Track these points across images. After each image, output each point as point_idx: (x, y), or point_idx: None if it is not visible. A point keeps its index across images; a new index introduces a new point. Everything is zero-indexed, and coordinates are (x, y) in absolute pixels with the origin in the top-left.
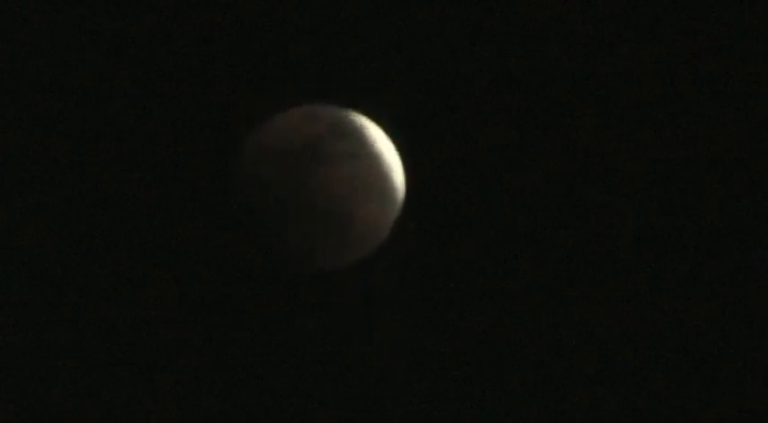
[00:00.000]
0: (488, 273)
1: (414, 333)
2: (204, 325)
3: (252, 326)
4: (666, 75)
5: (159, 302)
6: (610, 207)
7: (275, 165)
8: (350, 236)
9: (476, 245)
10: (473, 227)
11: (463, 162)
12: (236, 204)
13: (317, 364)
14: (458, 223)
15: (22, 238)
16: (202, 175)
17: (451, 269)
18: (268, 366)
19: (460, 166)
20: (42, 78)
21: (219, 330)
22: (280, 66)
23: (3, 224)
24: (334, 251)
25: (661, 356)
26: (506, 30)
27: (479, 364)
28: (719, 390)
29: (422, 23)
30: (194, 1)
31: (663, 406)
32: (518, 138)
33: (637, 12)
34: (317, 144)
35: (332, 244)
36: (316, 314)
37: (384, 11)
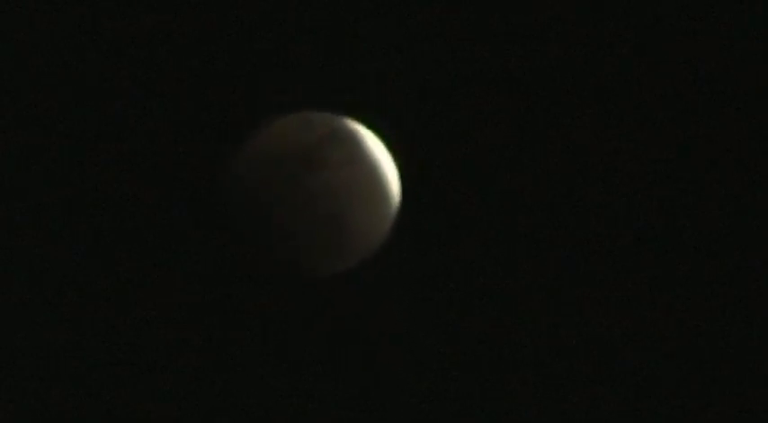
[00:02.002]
0: (484, 277)
1: (411, 337)
2: (199, 331)
3: (247, 332)
4: (663, 74)
5: (152, 311)
6: (610, 214)
7: (270, 171)
8: (346, 241)
9: (472, 249)
10: (469, 232)
11: (459, 169)
12: (230, 210)
13: (313, 368)
14: (454, 229)
15: (18, 243)
16: (196, 180)
17: (448, 274)
18: (264, 372)
19: (457, 173)
20: (36, 92)
21: (214, 336)
22: (275, 71)
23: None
24: (330, 256)
25: (661, 357)
26: (505, 37)
27: (478, 369)
28: (719, 390)
29: (419, 30)
30: (190, 7)
31: (662, 406)
32: (516, 145)
33: (636, 12)
34: (313, 150)
35: (328, 249)
36: (311, 319)
37: (380, 17)
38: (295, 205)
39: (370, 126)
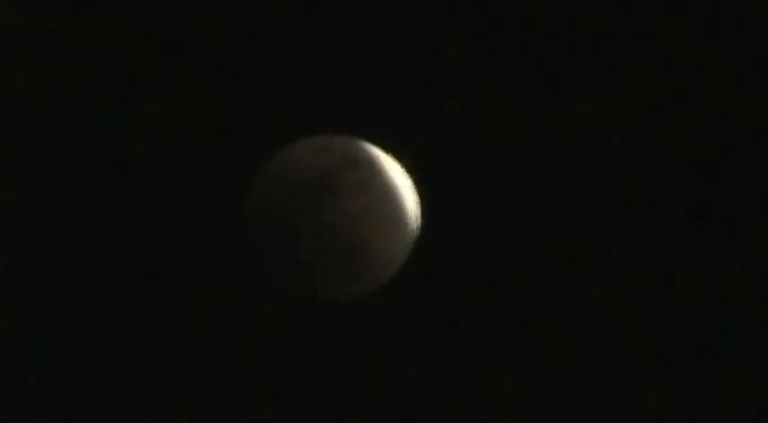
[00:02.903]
0: (504, 304)
1: (427, 365)
2: (213, 353)
3: (262, 356)
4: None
5: (165, 334)
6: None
7: (288, 196)
8: (363, 267)
9: (491, 276)
10: (489, 257)
11: (478, 193)
12: (247, 235)
13: (331, 393)
14: (473, 254)
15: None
16: (215, 203)
17: (467, 301)
18: (283, 396)
19: (475, 197)
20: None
21: (229, 360)
22: (292, 95)
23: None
24: (347, 282)
25: (687, 364)
26: (524, 62)
27: (496, 392)
28: (719, 390)
29: (437, 55)
30: (204, 31)
31: (664, 407)
32: (535, 168)
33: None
34: (330, 175)
35: (345, 275)
36: (328, 345)
37: (398, 41)
38: (312, 230)
39: (388, 150)
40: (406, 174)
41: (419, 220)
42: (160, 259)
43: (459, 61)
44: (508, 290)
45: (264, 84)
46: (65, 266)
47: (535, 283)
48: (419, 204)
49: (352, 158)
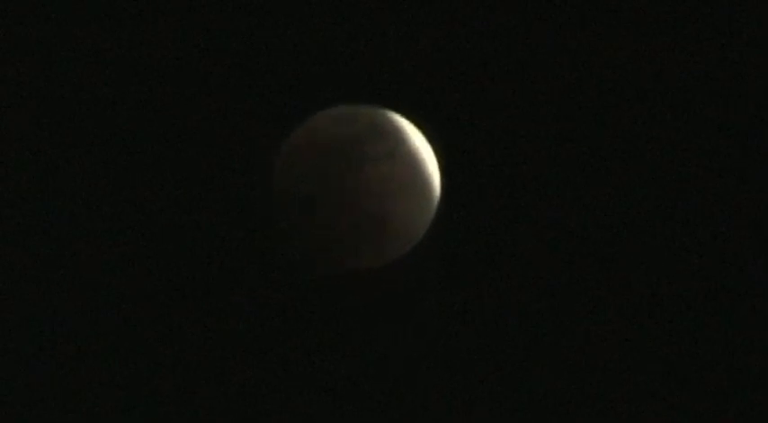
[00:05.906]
0: (525, 274)
1: (449, 333)
2: (234, 320)
3: (285, 323)
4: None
5: (187, 297)
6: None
7: (312, 164)
8: (386, 235)
9: (513, 245)
10: (510, 227)
11: (501, 163)
12: (273, 203)
13: (350, 362)
14: (495, 224)
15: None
16: (240, 173)
17: (488, 270)
18: (299, 365)
19: (498, 167)
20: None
21: (249, 326)
22: (317, 66)
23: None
24: (370, 250)
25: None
26: (552, 31)
27: (514, 366)
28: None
29: (462, 24)
30: (230, 5)
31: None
32: (560, 139)
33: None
34: (355, 144)
35: (368, 243)
36: (351, 312)
37: (424, 11)
38: (336, 199)
39: (411, 120)
40: (429, 143)
41: (441, 189)
42: (186, 233)
43: (482, 30)
44: (530, 258)
45: (290, 54)
46: (86, 239)
47: (557, 251)
48: (442, 173)
49: (377, 128)
